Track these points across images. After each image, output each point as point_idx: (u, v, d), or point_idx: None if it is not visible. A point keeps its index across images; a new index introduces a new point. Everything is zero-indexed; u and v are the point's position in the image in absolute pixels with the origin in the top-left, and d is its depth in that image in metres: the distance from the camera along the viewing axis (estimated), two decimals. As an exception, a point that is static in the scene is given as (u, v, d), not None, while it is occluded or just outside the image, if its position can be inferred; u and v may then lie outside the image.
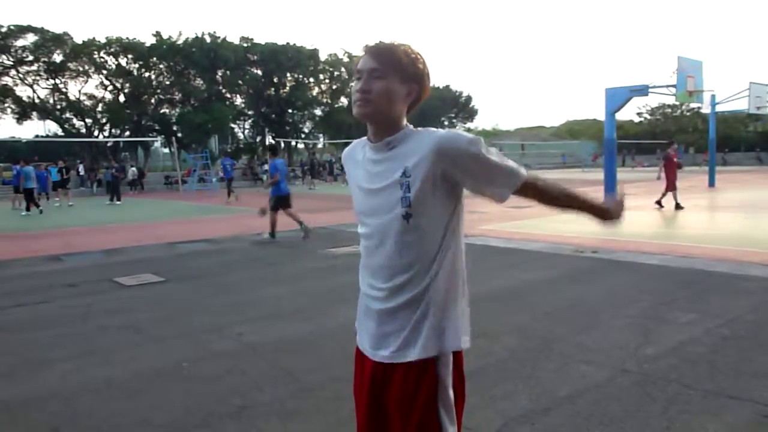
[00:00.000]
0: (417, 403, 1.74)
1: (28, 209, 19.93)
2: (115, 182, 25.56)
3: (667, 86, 18.12)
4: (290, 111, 52.01)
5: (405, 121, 1.81)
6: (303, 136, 54.29)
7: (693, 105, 28.11)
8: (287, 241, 11.71)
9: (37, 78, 41.22)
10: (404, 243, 1.74)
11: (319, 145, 59.18)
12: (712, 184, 25.07)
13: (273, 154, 13.00)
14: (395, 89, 1.73)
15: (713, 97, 25.15)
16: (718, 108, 26.18)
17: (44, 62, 40.38)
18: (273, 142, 15.40)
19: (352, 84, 1.81)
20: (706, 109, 27.73)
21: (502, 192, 1.78)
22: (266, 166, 36.52)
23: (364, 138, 1.90)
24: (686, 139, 60.28)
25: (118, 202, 24.33)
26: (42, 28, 39.40)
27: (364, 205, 1.84)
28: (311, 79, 52.89)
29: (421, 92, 1.80)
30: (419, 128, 1.78)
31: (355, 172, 1.90)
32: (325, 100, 53.73)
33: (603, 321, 5.62)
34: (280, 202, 11.87)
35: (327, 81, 54.06)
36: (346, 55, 53.45)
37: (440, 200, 1.72)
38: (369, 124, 1.79)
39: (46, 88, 42.12)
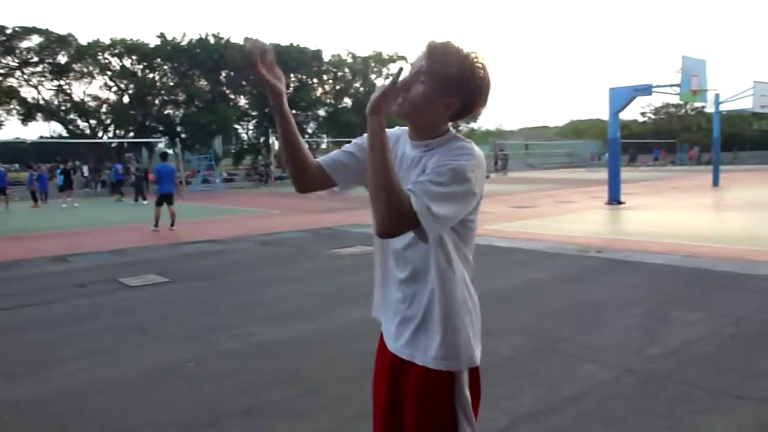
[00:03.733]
0: (432, 400, 1.75)
1: None
2: (138, 182, 25.58)
3: (671, 85, 18.06)
4: (294, 111, 51.83)
5: (448, 127, 1.73)
6: (307, 136, 54.31)
7: (697, 104, 28.03)
8: (292, 241, 11.73)
9: (42, 79, 41.27)
10: (419, 245, 1.70)
11: (323, 146, 59.21)
12: (716, 183, 25.00)
13: (162, 160, 15.52)
14: (433, 99, 1.64)
15: (717, 96, 25.03)
16: (722, 107, 26.04)
17: (49, 63, 40.43)
18: (166, 150, 16.38)
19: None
20: (710, 109, 27.56)
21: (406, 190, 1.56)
22: (273, 167, 36.76)
23: (403, 130, 1.84)
24: (690, 139, 60.10)
25: (144, 202, 24.21)
26: (47, 29, 39.47)
27: None
28: (315, 80, 52.88)
29: (466, 106, 1.69)
30: (461, 139, 1.69)
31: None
32: (328, 101, 53.70)
33: (608, 320, 5.62)
34: (162, 198, 14.16)
35: (331, 81, 54.03)
36: (350, 55, 53.45)
37: None
38: (408, 125, 1.76)
39: (51, 89, 42.18)
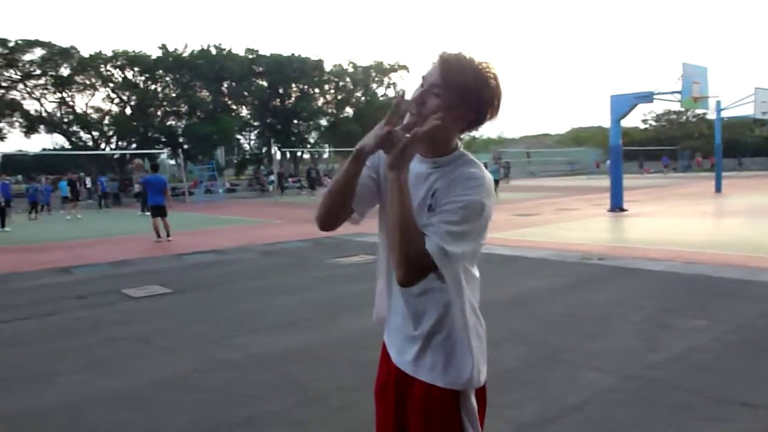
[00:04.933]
0: (439, 414, 1.74)
1: None
2: (143, 194, 25.61)
3: (672, 92, 18.08)
4: (296, 121, 52.16)
5: (457, 143, 1.73)
6: (309, 146, 54.43)
7: (698, 111, 28.03)
8: (294, 251, 11.73)
9: (45, 92, 41.46)
10: None
11: (325, 155, 59.30)
12: (718, 189, 24.98)
13: (153, 171, 15.17)
14: (448, 111, 1.61)
15: (718, 103, 25.09)
16: (724, 114, 26.09)
17: (51, 76, 40.61)
18: (155, 162, 16.57)
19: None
20: (711, 115, 27.57)
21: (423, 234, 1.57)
22: (272, 177, 36.79)
23: None
24: (692, 145, 60.11)
25: (148, 213, 24.23)
26: (49, 42, 39.66)
27: None
28: (316, 90, 53.05)
29: (479, 117, 1.68)
30: (469, 160, 1.70)
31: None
32: (330, 111, 53.88)
33: (610, 328, 5.60)
34: (155, 211, 14.15)
35: (332, 91, 54.22)
36: (351, 65, 53.68)
37: None
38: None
39: (54, 101, 42.38)
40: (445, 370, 1.72)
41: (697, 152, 56.62)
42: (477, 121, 1.69)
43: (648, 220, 15.31)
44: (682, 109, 52.06)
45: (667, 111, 66.03)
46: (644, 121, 70.31)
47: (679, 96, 18.00)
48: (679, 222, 14.68)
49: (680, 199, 21.80)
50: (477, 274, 1.82)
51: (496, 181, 26.69)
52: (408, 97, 1.63)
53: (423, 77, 1.65)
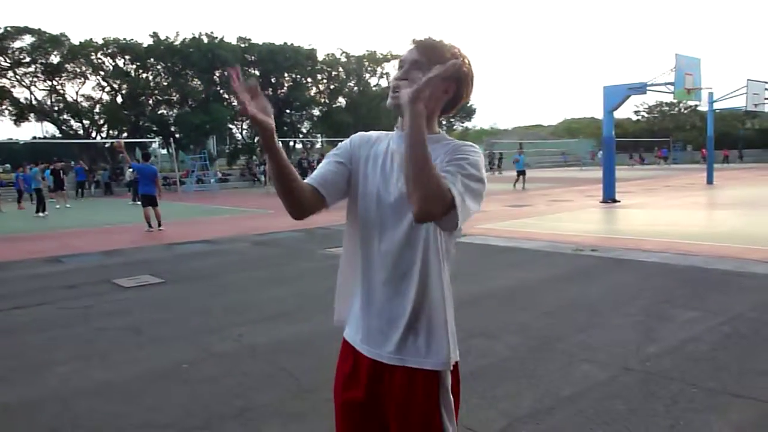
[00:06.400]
0: (420, 405, 1.73)
1: None
2: (135, 183, 25.40)
3: (665, 84, 18.09)
4: (288, 111, 51.92)
5: (437, 126, 1.80)
6: (301, 136, 54.22)
7: (691, 103, 28.07)
8: (286, 241, 11.69)
9: (35, 79, 41.03)
10: (410, 244, 1.72)
11: (317, 145, 59.10)
12: (710, 181, 25.08)
13: (144, 160, 14.82)
14: (435, 86, 1.64)
15: (711, 94, 25.12)
16: (716, 105, 26.15)
17: (41, 64, 40.19)
18: (146, 151, 16.56)
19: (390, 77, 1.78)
20: (703, 107, 27.64)
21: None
22: (264, 167, 36.63)
23: (386, 133, 1.87)
24: (684, 137, 60.30)
25: (139, 202, 24.09)
26: (39, 29, 39.22)
27: (380, 190, 1.76)
28: (309, 80, 52.78)
29: (459, 92, 1.77)
30: (453, 139, 1.76)
31: (373, 166, 1.81)
32: (323, 100, 53.62)
33: (604, 319, 5.60)
34: (144, 199, 14.03)
35: (325, 81, 53.95)
36: (344, 55, 53.40)
37: None
38: (401, 117, 1.73)
39: (44, 89, 41.94)
40: (428, 352, 1.73)
41: (689, 144, 56.87)
42: (456, 98, 1.79)
43: (640, 212, 15.35)
44: (675, 101, 52.15)
45: (659, 102, 66.18)
46: (636, 113, 70.43)
47: (672, 87, 18.01)
48: (671, 213, 14.72)
49: (672, 191, 21.88)
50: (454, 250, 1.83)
51: (522, 173, 26.21)
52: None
53: (401, 60, 1.75)
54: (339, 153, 1.85)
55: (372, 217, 1.78)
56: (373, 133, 1.90)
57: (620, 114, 65.69)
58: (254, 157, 47.81)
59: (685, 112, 62.78)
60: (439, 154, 1.66)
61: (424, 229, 1.70)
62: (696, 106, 37.17)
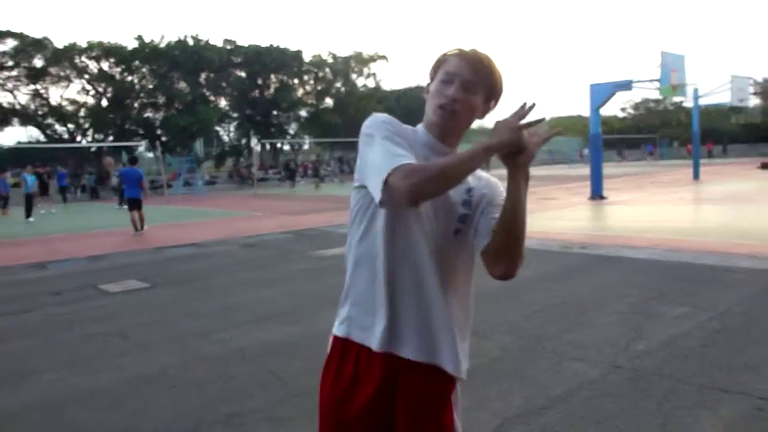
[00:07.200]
0: (436, 403, 1.74)
1: None
2: (121, 187, 25.17)
3: (651, 81, 18.21)
4: (275, 113, 51.78)
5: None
6: (289, 137, 54.09)
7: (676, 99, 28.26)
8: (275, 243, 11.63)
9: (18, 83, 40.64)
10: (447, 253, 1.73)
11: (305, 146, 58.97)
12: (696, 176, 25.24)
13: (131, 164, 15.26)
14: (479, 106, 1.72)
15: (696, 90, 25.29)
16: (701, 101, 26.31)
17: (25, 67, 39.78)
18: (134, 155, 16.85)
19: (436, 85, 1.70)
20: (688, 103, 27.78)
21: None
22: (253, 169, 36.52)
23: (412, 127, 1.77)
24: (670, 133, 60.69)
25: (125, 207, 23.89)
26: (21, 33, 38.81)
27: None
28: (296, 81, 52.64)
29: (487, 110, 1.79)
30: (483, 171, 1.79)
31: None
32: (310, 102, 53.48)
33: (594, 317, 5.60)
34: (132, 203, 14.12)
35: (312, 82, 53.81)
36: (331, 55, 53.32)
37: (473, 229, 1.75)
38: (439, 128, 1.72)
39: (27, 93, 41.49)
40: (458, 357, 1.78)
41: (675, 140, 57.24)
42: (483, 113, 1.79)
43: (628, 208, 15.41)
44: (661, 98, 52.50)
45: (645, 99, 66.61)
46: (623, 110, 70.86)
47: (657, 84, 18.11)
48: (658, 209, 14.79)
49: (659, 187, 22.00)
50: None
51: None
52: (432, 87, 1.73)
53: (451, 74, 1.68)
54: (399, 139, 1.66)
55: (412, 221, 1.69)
56: (412, 131, 1.77)
57: (607, 111, 66.19)
58: (242, 159, 47.67)
59: (671, 108, 63.21)
60: (475, 185, 1.73)
61: (465, 240, 1.75)
62: (681, 102, 37.44)
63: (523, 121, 1.53)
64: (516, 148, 1.54)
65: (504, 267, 1.65)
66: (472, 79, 1.67)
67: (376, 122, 1.67)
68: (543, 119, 1.58)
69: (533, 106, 1.56)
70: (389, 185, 1.51)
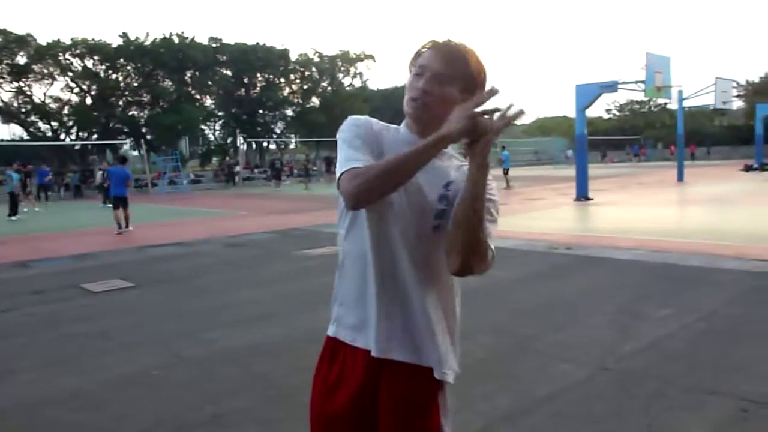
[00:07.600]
0: (421, 405, 1.72)
1: None
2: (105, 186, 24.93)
3: (636, 82, 18.30)
4: (261, 111, 51.62)
5: None
6: (275, 136, 53.90)
7: (661, 100, 28.37)
8: (260, 243, 11.56)
9: (0, 81, 40.23)
10: (426, 251, 1.69)
11: (291, 146, 58.78)
12: (680, 178, 25.41)
13: (120, 163, 15.74)
14: (455, 97, 1.61)
15: (680, 92, 25.45)
16: (686, 103, 26.50)
17: (7, 64, 39.38)
18: (123, 155, 17.49)
19: (409, 78, 1.68)
20: (673, 105, 27.99)
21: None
22: (238, 168, 36.31)
23: (395, 126, 1.75)
24: (654, 135, 61.13)
25: (110, 205, 23.66)
26: (4, 29, 38.40)
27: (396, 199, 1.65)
28: (282, 80, 52.51)
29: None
30: (461, 159, 1.72)
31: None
32: (296, 100, 53.38)
33: (580, 318, 5.60)
34: (116, 201, 14.18)
35: (298, 81, 53.71)
36: (317, 54, 53.23)
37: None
38: (415, 123, 1.68)
39: (10, 90, 41.10)
40: (443, 359, 1.74)
41: (659, 142, 57.69)
42: None
43: (613, 209, 15.48)
44: (645, 99, 52.88)
45: (629, 101, 67.09)
46: (608, 111, 71.33)
47: (642, 85, 18.21)
48: (643, 210, 14.87)
49: (644, 188, 22.12)
50: None
51: (507, 170, 26.27)
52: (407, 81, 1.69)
53: (422, 66, 1.65)
54: (358, 142, 1.65)
55: (392, 220, 1.67)
56: (373, 121, 1.75)
57: (592, 112, 66.61)
58: (227, 158, 47.41)
59: (655, 110, 63.68)
60: (455, 177, 1.67)
61: (438, 247, 1.70)
62: (666, 103, 37.69)
63: (479, 108, 1.46)
64: (472, 137, 1.47)
65: (458, 262, 1.59)
66: (443, 71, 1.62)
67: (346, 125, 1.69)
68: (521, 111, 1.49)
69: (496, 92, 1.48)
70: (340, 190, 1.55)
